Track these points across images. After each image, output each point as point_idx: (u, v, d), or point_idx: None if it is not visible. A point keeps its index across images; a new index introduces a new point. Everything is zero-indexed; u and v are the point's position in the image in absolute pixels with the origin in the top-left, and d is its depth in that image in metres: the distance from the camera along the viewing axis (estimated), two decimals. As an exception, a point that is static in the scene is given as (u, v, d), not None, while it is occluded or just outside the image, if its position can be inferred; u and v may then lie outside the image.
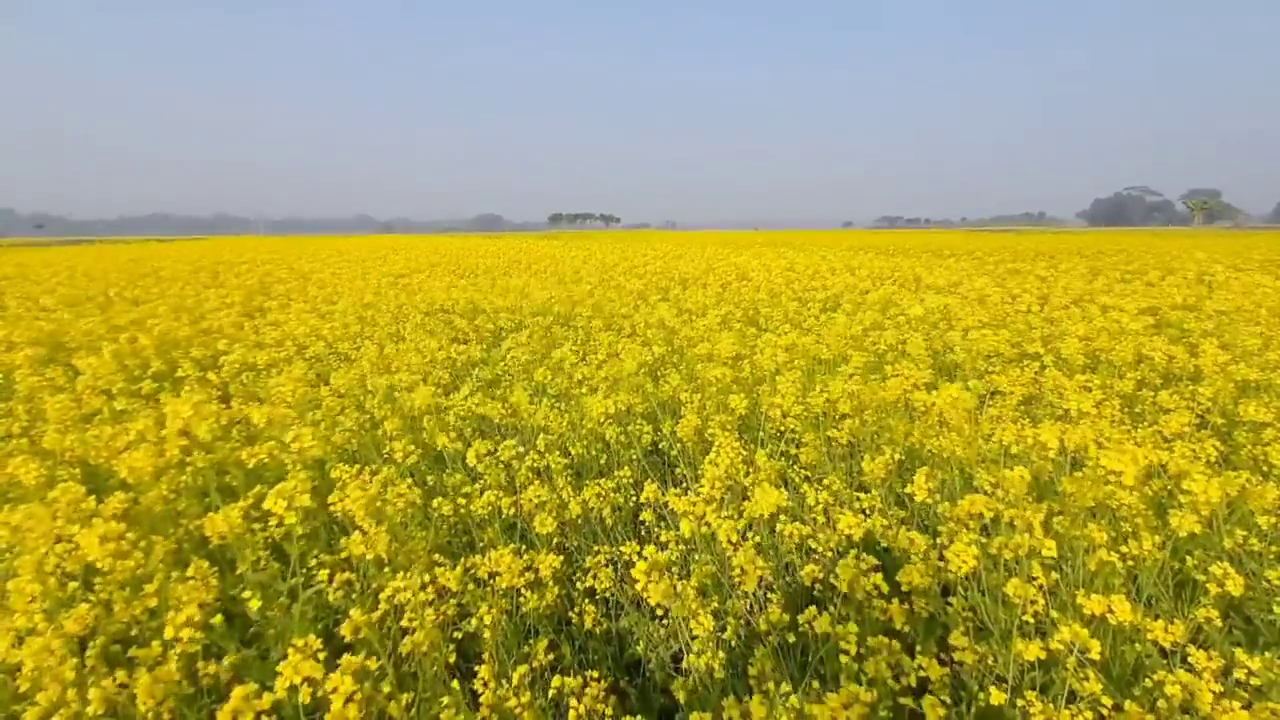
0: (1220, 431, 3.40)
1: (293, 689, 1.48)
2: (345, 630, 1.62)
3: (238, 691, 1.44)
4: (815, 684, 1.66)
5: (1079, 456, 2.07)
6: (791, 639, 2.05)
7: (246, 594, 2.13)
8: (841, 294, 8.50)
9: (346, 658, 1.55)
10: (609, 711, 1.86)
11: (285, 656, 1.52)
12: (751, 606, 2.38)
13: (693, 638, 2.01)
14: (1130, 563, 1.92)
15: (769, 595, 2.31)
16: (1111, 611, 1.50)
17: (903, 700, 1.73)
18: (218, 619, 2.07)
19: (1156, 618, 1.67)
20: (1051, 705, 1.57)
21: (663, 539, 2.65)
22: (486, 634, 2.17)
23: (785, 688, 1.69)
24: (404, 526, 2.71)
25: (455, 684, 1.93)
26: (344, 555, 2.39)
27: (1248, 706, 1.38)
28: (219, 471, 3.24)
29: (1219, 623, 1.67)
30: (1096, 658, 1.52)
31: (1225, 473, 2.14)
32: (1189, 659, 1.51)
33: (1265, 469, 2.69)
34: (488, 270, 14.90)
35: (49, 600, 1.91)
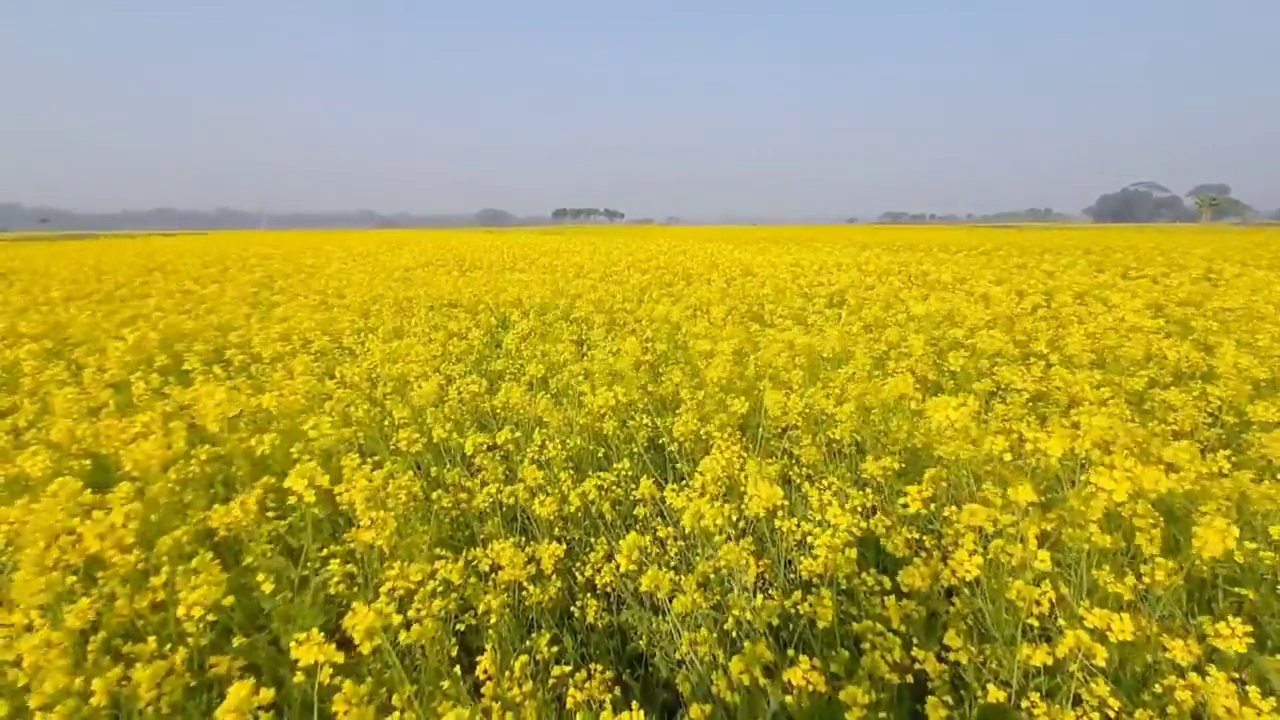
0: (1231, 431, 3.37)
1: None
2: (348, 623, 1.62)
3: (235, 689, 1.44)
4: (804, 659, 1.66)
5: (1087, 462, 2.05)
6: (776, 621, 2.05)
7: (260, 578, 2.14)
8: (846, 290, 8.47)
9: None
10: (609, 699, 1.86)
11: (292, 642, 1.53)
12: (747, 603, 2.38)
13: (695, 628, 2.01)
14: (1142, 586, 1.89)
15: (770, 593, 2.31)
16: (1110, 630, 1.50)
17: (891, 677, 1.73)
18: (229, 600, 2.07)
19: (1169, 630, 1.66)
20: (1057, 707, 1.56)
21: (660, 534, 2.65)
22: (491, 627, 2.17)
23: (768, 655, 1.69)
24: (406, 520, 2.71)
25: (457, 670, 1.93)
26: (350, 546, 2.40)
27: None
28: (226, 463, 3.26)
29: (1238, 649, 1.64)
30: (1103, 664, 1.50)
31: (1235, 474, 2.11)
32: (1201, 668, 1.49)
33: (1275, 473, 2.66)
34: (491, 265, 14.90)
35: (50, 594, 1.92)
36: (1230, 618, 1.62)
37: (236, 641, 2.05)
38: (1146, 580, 1.83)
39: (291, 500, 2.27)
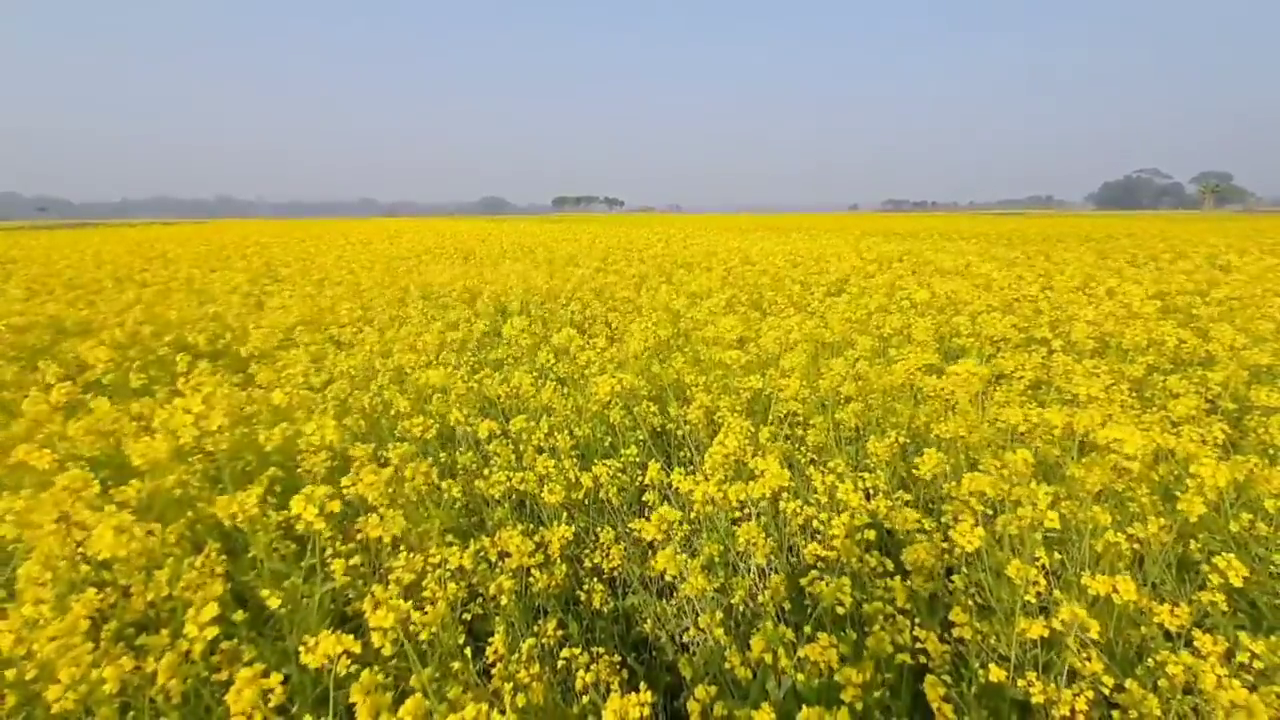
0: (1230, 416, 3.38)
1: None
2: (366, 606, 1.65)
3: (244, 673, 1.47)
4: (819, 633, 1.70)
5: (1087, 440, 2.07)
6: (787, 605, 2.08)
7: (265, 593, 2.13)
8: (847, 278, 8.45)
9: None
10: (615, 683, 1.89)
11: (301, 645, 1.57)
12: (757, 582, 2.40)
13: (702, 610, 2.04)
14: (1136, 545, 1.93)
15: (774, 576, 2.33)
16: (1116, 591, 1.51)
17: (901, 658, 1.77)
18: (239, 615, 2.08)
19: (1161, 601, 1.69)
20: (1054, 684, 1.59)
21: (673, 517, 2.67)
22: (500, 612, 2.20)
23: (788, 633, 1.73)
24: (417, 507, 2.73)
25: (468, 652, 1.96)
26: (359, 537, 2.42)
27: (1252, 689, 1.39)
28: (232, 456, 3.27)
29: (1224, 607, 1.68)
30: (1097, 637, 1.53)
31: (1233, 456, 2.14)
32: (1194, 642, 1.52)
33: (1272, 452, 2.68)
34: (490, 254, 14.87)
35: (60, 586, 1.93)
36: (1226, 555, 1.64)
37: (248, 654, 2.07)
38: (1141, 534, 1.86)
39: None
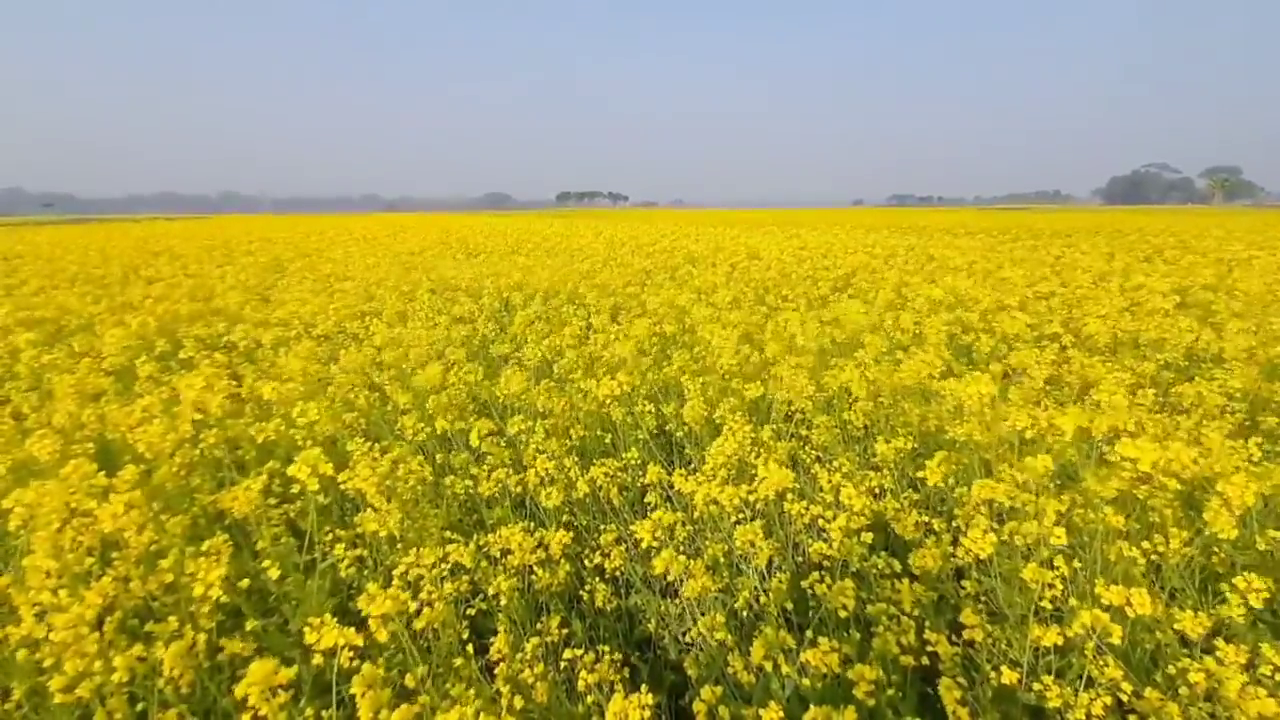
0: (1242, 413, 3.32)
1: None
2: (364, 606, 1.63)
3: (255, 667, 1.45)
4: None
5: (1104, 446, 2.03)
6: (790, 605, 2.05)
7: (266, 563, 2.13)
8: (854, 274, 8.38)
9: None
10: (618, 681, 1.86)
11: (304, 628, 1.55)
12: (759, 584, 2.37)
13: (705, 611, 2.01)
14: (1155, 557, 1.87)
15: (778, 575, 2.30)
16: (1129, 605, 1.47)
17: (906, 660, 1.74)
18: (244, 582, 2.08)
19: (1181, 607, 1.64)
20: (1070, 689, 1.55)
21: (668, 521, 2.64)
22: (501, 610, 2.17)
23: (788, 639, 1.70)
24: (415, 504, 2.71)
25: (470, 649, 1.94)
26: (358, 531, 2.40)
27: (1274, 695, 1.35)
28: (232, 447, 3.26)
29: (1240, 619, 1.63)
30: (1118, 642, 1.49)
31: (1264, 464, 2.08)
32: (1214, 649, 1.48)
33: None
34: (495, 250, 14.83)
35: (66, 576, 1.92)
36: (1248, 575, 1.60)
37: (249, 625, 2.07)
38: (1160, 548, 1.82)
39: (296, 489, 2.26)
